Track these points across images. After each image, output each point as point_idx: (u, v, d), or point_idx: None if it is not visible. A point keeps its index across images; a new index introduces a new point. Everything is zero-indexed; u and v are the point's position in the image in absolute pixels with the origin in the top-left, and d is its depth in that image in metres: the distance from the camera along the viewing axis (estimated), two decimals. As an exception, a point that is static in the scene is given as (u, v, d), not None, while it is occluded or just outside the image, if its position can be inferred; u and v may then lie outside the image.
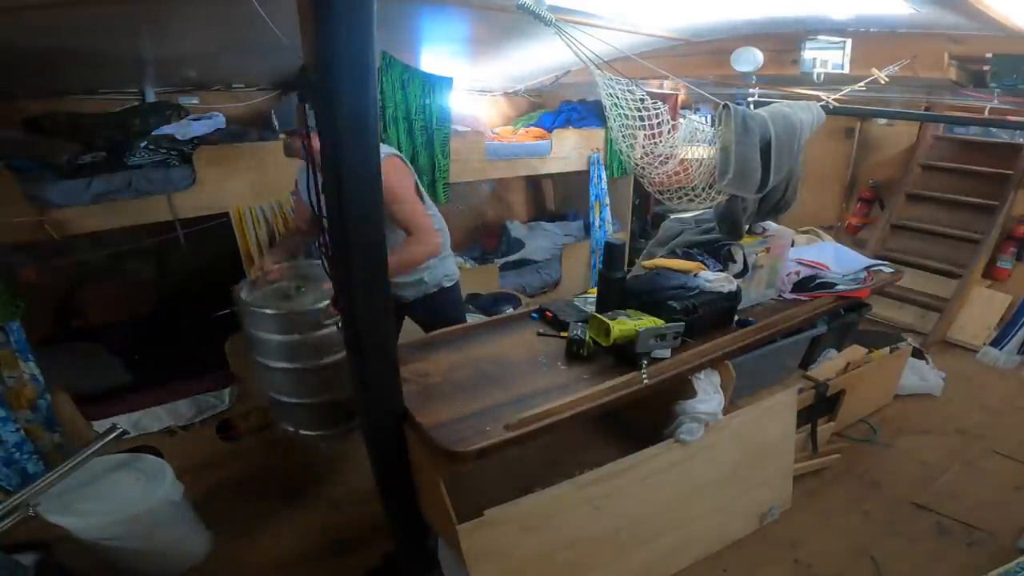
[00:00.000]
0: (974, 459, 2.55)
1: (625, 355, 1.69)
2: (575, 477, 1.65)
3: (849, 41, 2.39)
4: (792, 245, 2.38)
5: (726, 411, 1.91)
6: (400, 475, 1.62)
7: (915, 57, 2.36)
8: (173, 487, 1.96)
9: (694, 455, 1.85)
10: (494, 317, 2.29)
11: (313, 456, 2.67)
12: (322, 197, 1.27)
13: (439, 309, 2.11)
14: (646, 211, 4.92)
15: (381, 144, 1.78)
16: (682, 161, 1.96)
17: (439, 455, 1.39)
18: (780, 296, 2.27)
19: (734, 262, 2.10)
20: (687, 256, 2.12)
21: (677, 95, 4.15)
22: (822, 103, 2.24)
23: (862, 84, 2.38)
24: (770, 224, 2.28)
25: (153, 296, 3.13)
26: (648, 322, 1.71)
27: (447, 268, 2.12)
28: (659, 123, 1.85)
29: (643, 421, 1.94)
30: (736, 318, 2.00)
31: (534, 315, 2.08)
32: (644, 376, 1.64)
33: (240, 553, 2.09)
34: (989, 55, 2.22)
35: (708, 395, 1.84)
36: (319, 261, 2.02)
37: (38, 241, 2.03)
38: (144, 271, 3.04)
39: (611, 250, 1.93)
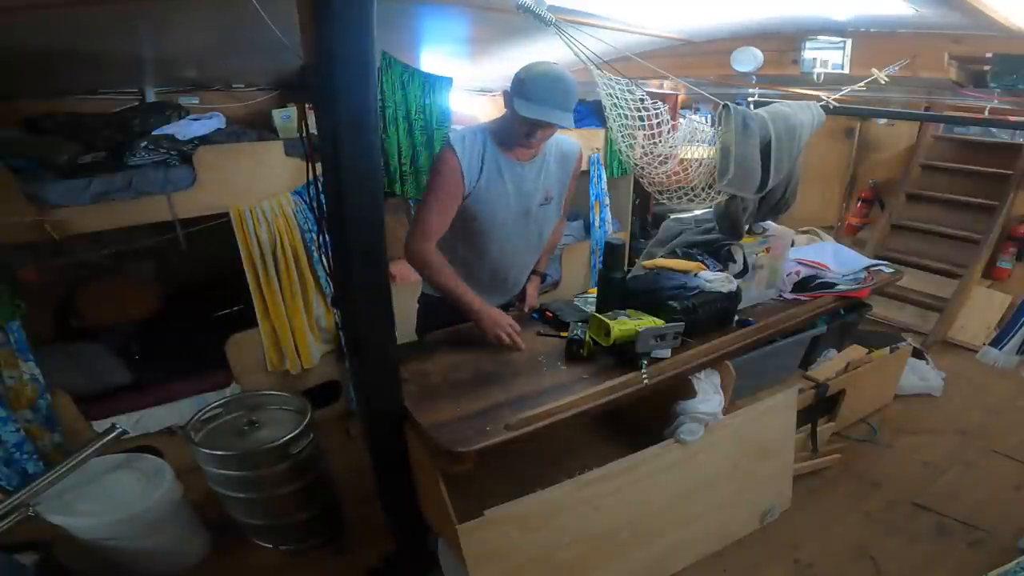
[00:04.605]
0: (974, 459, 2.55)
1: (625, 355, 1.69)
2: (575, 477, 1.65)
3: (849, 41, 2.38)
4: (792, 245, 2.38)
5: (726, 411, 1.91)
6: (400, 475, 1.63)
7: (915, 57, 2.36)
8: (173, 487, 1.96)
9: (694, 455, 1.85)
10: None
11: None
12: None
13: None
14: (646, 211, 4.92)
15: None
16: (682, 161, 1.96)
17: (439, 455, 1.39)
18: (780, 296, 2.27)
19: (734, 262, 2.10)
20: (687, 256, 2.11)
21: (677, 95, 4.14)
22: (822, 103, 2.24)
23: (862, 84, 2.38)
24: (770, 224, 2.28)
25: (153, 296, 3.12)
26: (648, 322, 1.71)
27: None
28: (659, 123, 1.84)
29: (643, 421, 1.94)
30: (736, 318, 2.00)
31: (534, 315, 2.08)
32: (644, 376, 1.64)
33: (239, 553, 2.09)
34: (989, 55, 2.22)
35: (708, 395, 1.84)
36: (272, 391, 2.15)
37: (38, 241, 2.02)
38: (144, 271, 3.04)
39: (611, 250, 1.93)
